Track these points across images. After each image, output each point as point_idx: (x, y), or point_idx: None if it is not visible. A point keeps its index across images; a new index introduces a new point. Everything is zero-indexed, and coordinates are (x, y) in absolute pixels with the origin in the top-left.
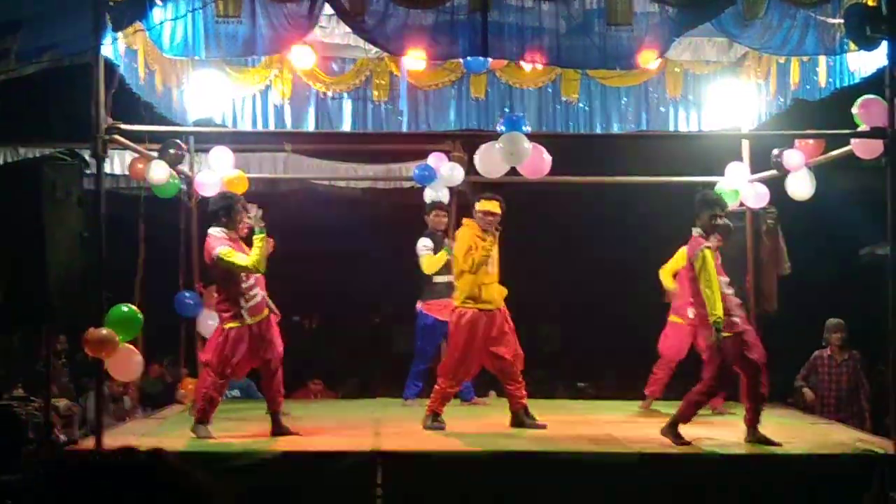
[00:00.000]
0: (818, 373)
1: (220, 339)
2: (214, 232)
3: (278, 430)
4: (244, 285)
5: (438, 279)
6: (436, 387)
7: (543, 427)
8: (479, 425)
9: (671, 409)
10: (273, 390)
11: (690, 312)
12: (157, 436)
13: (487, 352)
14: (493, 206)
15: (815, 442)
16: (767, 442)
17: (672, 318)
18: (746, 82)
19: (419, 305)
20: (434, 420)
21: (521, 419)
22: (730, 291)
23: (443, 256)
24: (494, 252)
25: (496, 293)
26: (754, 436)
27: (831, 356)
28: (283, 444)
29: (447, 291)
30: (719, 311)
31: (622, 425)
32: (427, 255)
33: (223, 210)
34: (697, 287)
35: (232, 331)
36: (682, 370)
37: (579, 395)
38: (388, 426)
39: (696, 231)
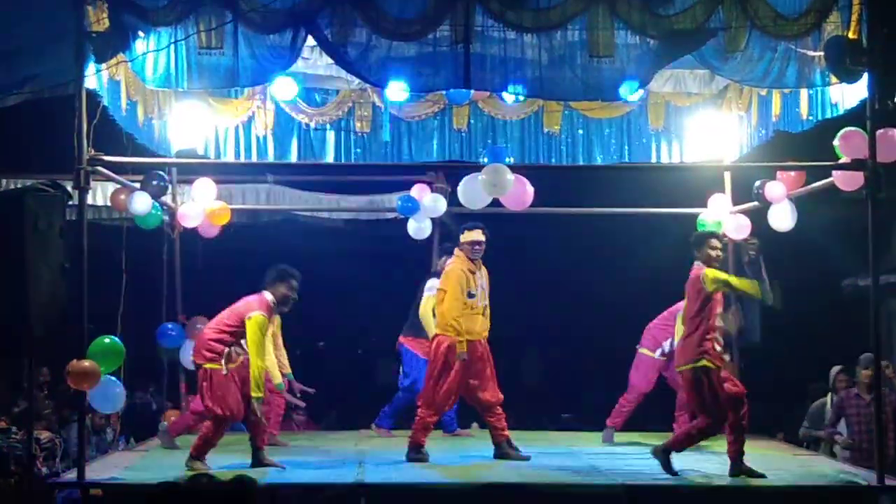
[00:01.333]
0: (847, 415)
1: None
2: (268, 297)
3: (257, 463)
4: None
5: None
6: (416, 417)
7: (527, 458)
8: (462, 457)
9: (645, 439)
10: (256, 423)
11: (666, 346)
12: (142, 469)
13: (466, 382)
14: (478, 235)
15: (799, 473)
16: (752, 474)
17: (642, 350)
18: (728, 114)
19: (401, 339)
20: (417, 452)
21: (504, 450)
22: (720, 323)
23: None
24: (485, 282)
25: (478, 325)
26: (739, 468)
27: (859, 395)
28: (267, 476)
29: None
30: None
31: (606, 457)
32: (427, 297)
33: (283, 281)
34: (698, 316)
35: (210, 371)
36: (649, 402)
37: (563, 427)
38: (372, 458)
39: (696, 264)
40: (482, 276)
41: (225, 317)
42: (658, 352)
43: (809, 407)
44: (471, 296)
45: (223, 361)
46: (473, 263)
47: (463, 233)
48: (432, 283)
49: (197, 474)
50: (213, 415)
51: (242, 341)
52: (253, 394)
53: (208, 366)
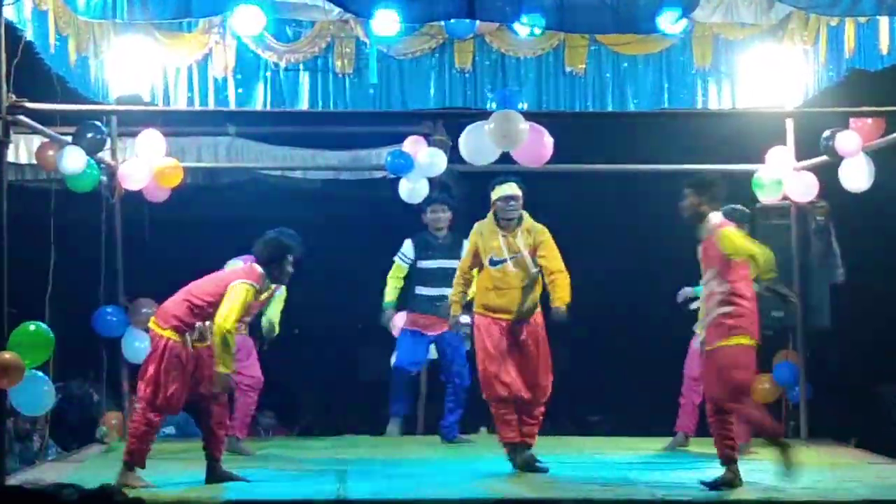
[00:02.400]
0: None
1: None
2: (258, 269)
3: (213, 476)
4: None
5: (421, 290)
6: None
7: (545, 471)
8: (468, 466)
9: (703, 447)
10: (211, 427)
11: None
12: (77, 483)
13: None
14: (512, 189)
15: (876, 486)
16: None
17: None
18: (790, 49)
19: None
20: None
21: (523, 460)
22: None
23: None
24: (523, 247)
25: (506, 300)
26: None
27: None
28: (229, 492)
29: (430, 306)
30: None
31: (641, 467)
32: (395, 262)
33: (277, 261)
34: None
35: (169, 342)
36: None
37: (591, 431)
38: (357, 468)
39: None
40: (520, 239)
41: (205, 284)
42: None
43: None
44: (493, 263)
45: (188, 336)
46: (502, 229)
47: (493, 189)
48: (404, 247)
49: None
50: (145, 399)
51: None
52: (220, 368)
53: (167, 334)
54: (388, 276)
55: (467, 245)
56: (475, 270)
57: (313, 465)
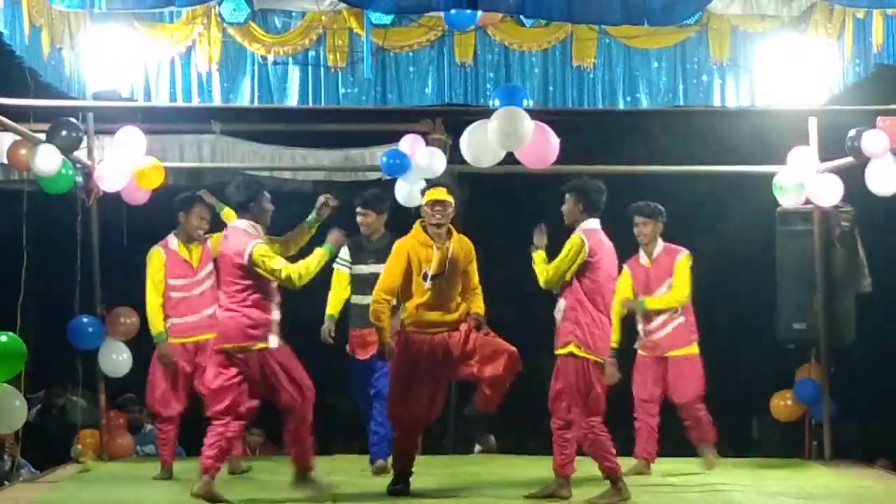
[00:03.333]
0: None
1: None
2: (241, 225)
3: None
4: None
5: (357, 300)
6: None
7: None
8: (466, 487)
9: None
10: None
11: None
12: None
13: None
14: (440, 194)
15: None
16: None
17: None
18: (814, 43)
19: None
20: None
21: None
22: None
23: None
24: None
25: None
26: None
27: None
28: None
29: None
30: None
31: (654, 490)
32: (336, 270)
33: (255, 199)
34: None
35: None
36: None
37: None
38: (349, 490)
39: None
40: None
41: (225, 280)
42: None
43: None
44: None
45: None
46: (431, 239)
47: (424, 194)
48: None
49: None
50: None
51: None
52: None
53: (260, 346)
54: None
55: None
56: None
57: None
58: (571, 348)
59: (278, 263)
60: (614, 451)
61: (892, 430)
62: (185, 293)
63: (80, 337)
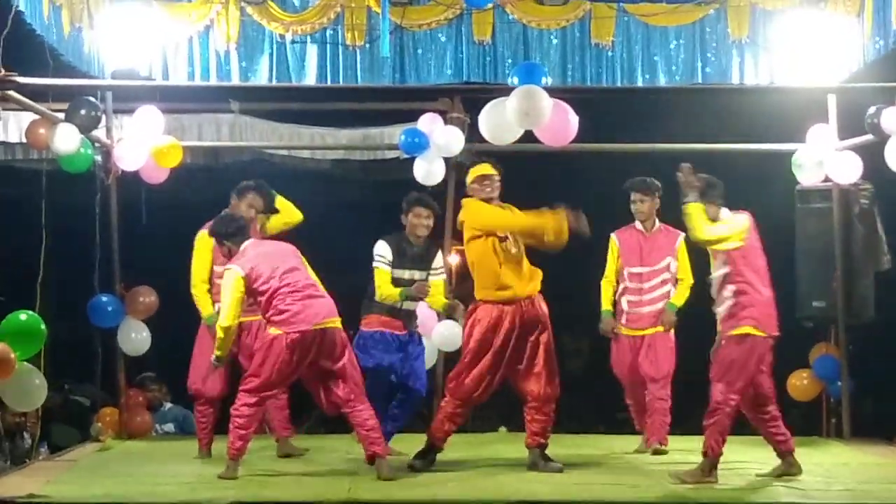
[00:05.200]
0: None
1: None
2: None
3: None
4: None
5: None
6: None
7: (559, 470)
8: (484, 466)
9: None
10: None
11: None
12: (68, 483)
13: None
14: (486, 169)
15: None
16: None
17: None
18: (833, 19)
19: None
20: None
21: (534, 460)
22: None
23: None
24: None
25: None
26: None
27: None
28: (234, 491)
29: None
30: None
31: (669, 467)
32: (379, 269)
33: (239, 232)
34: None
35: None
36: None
37: (617, 429)
38: (368, 469)
39: None
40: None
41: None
42: None
43: None
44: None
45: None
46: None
47: (468, 172)
48: (379, 249)
49: None
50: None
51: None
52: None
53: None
54: (380, 286)
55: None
56: None
57: (322, 465)
58: (747, 328)
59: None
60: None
61: None
62: None
63: (100, 315)
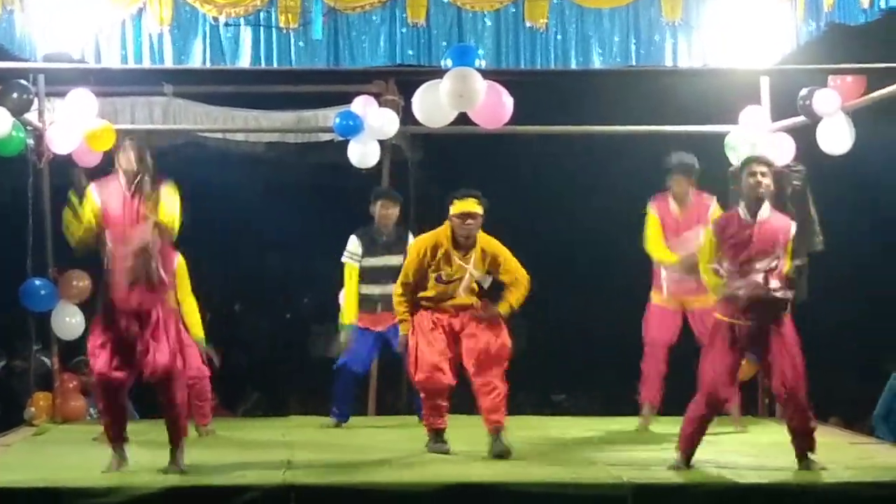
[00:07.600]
0: None
1: None
2: None
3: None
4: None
5: (367, 290)
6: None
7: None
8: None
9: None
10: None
11: None
12: (5, 470)
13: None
14: (470, 206)
15: (856, 467)
16: None
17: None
18: (766, 2)
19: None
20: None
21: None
22: None
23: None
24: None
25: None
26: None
27: None
28: (167, 477)
29: (373, 305)
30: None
31: (609, 448)
32: (346, 264)
33: None
34: None
35: None
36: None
37: (554, 411)
38: (305, 452)
39: None
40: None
41: None
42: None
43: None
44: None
45: None
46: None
47: (452, 203)
48: (350, 245)
49: None
50: None
51: None
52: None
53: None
54: (347, 281)
55: (411, 250)
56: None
57: (259, 449)
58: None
59: None
60: None
61: (843, 389)
62: None
63: (33, 299)
